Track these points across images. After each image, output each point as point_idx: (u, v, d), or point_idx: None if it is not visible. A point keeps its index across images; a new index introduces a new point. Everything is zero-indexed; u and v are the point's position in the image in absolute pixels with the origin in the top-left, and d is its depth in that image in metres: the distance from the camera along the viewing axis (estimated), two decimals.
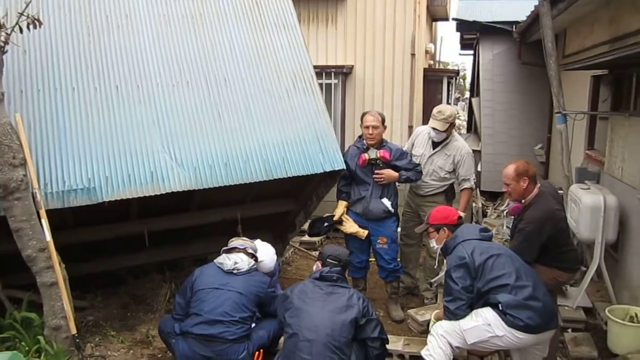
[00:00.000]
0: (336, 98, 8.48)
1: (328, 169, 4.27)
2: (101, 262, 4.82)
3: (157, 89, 4.25)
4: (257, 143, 4.24)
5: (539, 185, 3.77)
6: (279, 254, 5.93)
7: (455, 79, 11.30)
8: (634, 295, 5.06)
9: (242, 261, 3.63)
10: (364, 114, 4.61)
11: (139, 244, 4.67)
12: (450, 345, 3.11)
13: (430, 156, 4.81)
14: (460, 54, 15.76)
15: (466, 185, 4.84)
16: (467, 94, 19.73)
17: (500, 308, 3.02)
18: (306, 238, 6.78)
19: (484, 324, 3.05)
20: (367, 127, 4.49)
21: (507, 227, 8.02)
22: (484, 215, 7.85)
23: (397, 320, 4.56)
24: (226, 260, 3.61)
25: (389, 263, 4.55)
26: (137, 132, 4.04)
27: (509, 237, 3.99)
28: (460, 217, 3.48)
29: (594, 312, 5.31)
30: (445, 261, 3.49)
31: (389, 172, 4.41)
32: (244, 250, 3.72)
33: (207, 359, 3.39)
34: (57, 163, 3.77)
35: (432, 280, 4.31)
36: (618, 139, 5.74)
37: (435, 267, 4.37)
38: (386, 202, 4.44)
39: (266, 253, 3.91)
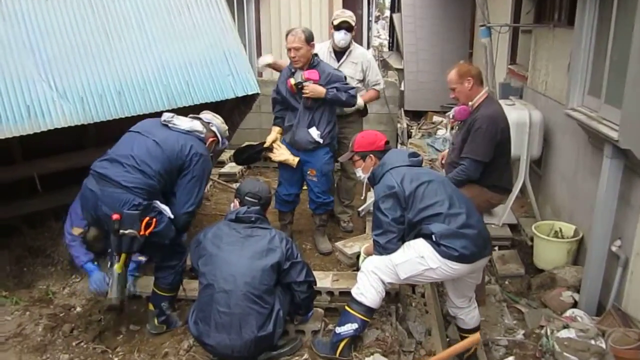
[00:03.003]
0: (249, 15, 7.77)
1: (240, 94, 3.78)
2: None
3: (26, 2, 3.49)
4: (155, 66, 3.64)
5: (486, 88, 3.60)
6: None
7: None
8: (556, 210, 5.11)
9: (184, 121, 3.12)
10: (287, 34, 4.04)
11: (32, 189, 4.07)
12: (382, 281, 2.88)
13: (337, 68, 4.44)
14: None
15: (377, 87, 4.67)
16: (387, 13, 19.25)
17: (434, 239, 2.80)
18: (225, 169, 6.32)
19: (416, 257, 2.82)
20: (289, 49, 3.96)
21: (430, 145, 7.98)
22: (409, 136, 7.69)
23: (325, 253, 4.31)
24: (168, 114, 3.14)
25: (317, 196, 4.22)
26: (4, 58, 3.32)
27: (452, 147, 3.74)
28: (387, 142, 3.16)
29: (519, 229, 5.36)
30: (372, 189, 3.20)
31: (315, 87, 3.95)
32: (200, 119, 3.24)
33: (96, 197, 2.91)
34: None
35: (360, 209, 4.04)
36: (542, 52, 5.60)
37: (361, 197, 4.08)
38: (314, 132, 4.02)
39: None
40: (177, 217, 3.03)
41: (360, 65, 4.53)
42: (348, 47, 4.48)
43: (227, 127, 3.39)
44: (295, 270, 2.82)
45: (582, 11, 4.03)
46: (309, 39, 3.98)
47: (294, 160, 4.08)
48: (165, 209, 2.98)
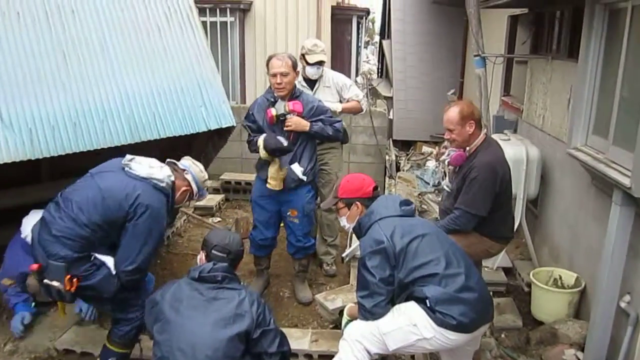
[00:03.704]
0: (233, 39, 7.46)
1: (213, 127, 3.40)
2: None
3: None
4: (118, 94, 3.25)
5: (485, 130, 3.28)
6: (169, 224, 5.07)
7: (365, 19, 10.58)
8: (554, 253, 4.76)
9: (144, 165, 2.72)
10: (269, 58, 3.69)
11: None
12: (368, 351, 2.49)
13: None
14: None
15: (357, 99, 4.39)
16: (377, 38, 19.13)
17: (428, 304, 2.41)
18: (201, 203, 5.90)
19: (408, 325, 2.43)
20: (274, 74, 3.58)
21: (419, 178, 7.64)
22: (398, 168, 7.35)
23: (305, 302, 3.90)
24: (129, 156, 2.77)
25: (298, 240, 3.82)
26: None
27: (447, 193, 3.39)
28: (376, 188, 2.78)
29: (514, 272, 5.01)
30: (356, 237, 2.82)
31: (298, 120, 3.60)
32: (174, 165, 2.89)
33: (34, 242, 2.64)
34: None
35: (344, 254, 3.66)
36: (539, 85, 5.32)
37: (348, 242, 3.70)
38: (297, 168, 3.64)
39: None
40: (118, 274, 2.67)
41: (333, 87, 4.30)
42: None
43: (207, 177, 3.01)
44: (266, 340, 2.41)
45: (586, 43, 3.74)
46: (295, 65, 3.65)
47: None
48: (107, 262, 2.62)
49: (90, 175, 2.72)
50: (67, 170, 3.70)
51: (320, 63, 4.16)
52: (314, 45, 4.19)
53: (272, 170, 3.62)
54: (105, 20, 3.40)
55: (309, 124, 3.61)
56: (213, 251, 2.52)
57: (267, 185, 3.65)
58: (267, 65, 3.64)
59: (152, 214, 2.63)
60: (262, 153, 3.55)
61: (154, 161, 2.78)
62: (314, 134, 3.65)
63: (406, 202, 2.71)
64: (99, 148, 3.09)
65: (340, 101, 4.35)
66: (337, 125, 3.72)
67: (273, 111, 3.57)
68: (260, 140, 3.54)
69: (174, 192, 2.80)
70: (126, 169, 2.69)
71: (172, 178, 2.78)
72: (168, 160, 2.89)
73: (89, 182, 2.68)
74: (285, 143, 3.53)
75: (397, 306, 2.52)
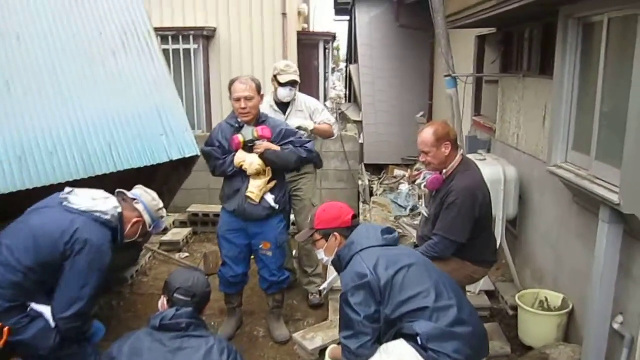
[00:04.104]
0: (197, 66, 7.24)
1: (175, 157, 3.14)
2: None
3: None
4: (70, 124, 2.99)
5: (461, 151, 3.15)
6: (132, 261, 4.74)
7: (332, 44, 10.53)
8: (537, 274, 4.61)
9: (84, 198, 2.45)
10: (232, 82, 3.48)
11: None
12: None
13: (285, 121, 3.99)
14: (335, 20, 15.03)
15: (328, 122, 4.25)
16: (343, 65, 19.22)
17: (419, 342, 2.19)
18: (167, 237, 5.58)
19: None
20: (238, 99, 3.37)
21: (394, 202, 7.48)
22: (371, 193, 7.17)
23: (281, 341, 3.62)
24: (68, 189, 2.49)
25: (272, 274, 3.56)
26: None
27: (425, 219, 3.21)
28: (355, 216, 2.56)
29: (497, 295, 4.83)
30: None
31: (268, 145, 3.37)
32: (123, 194, 2.61)
33: None
34: None
35: (322, 287, 3.42)
36: (511, 103, 5.25)
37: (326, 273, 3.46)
38: (268, 196, 3.41)
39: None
40: (56, 323, 2.34)
41: (306, 111, 4.14)
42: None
43: (161, 206, 2.71)
44: None
45: (561, 59, 3.65)
46: (259, 89, 3.45)
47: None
48: (45, 313, 2.32)
49: (27, 214, 2.44)
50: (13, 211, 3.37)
51: (293, 84, 4.00)
52: (286, 65, 4.05)
53: (259, 182, 3.39)
54: (55, 46, 3.15)
55: (278, 148, 3.41)
56: (176, 295, 2.24)
57: (247, 195, 3.39)
58: (230, 89, 3.43)
59: (92, 250, 2.33)
60: (254, 168, 3.34)
61: (98, 192, 2.51)
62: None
63: (388, 230, 2.50)
64: (47, 185, 2.79)
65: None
66: (308, 146, 3.52)
67: (240, 137, 3.35)
68: (250, 156, 3.36)
69: (123, 225, 2.53)
70: (64, 203, 2.41)
71: (119, 210, 2.50)
72: (117, 190, 2.61)
73: (22, 221, 2.40)
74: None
75: (384, 345, 2.28)
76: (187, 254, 5.43)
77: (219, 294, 3.74)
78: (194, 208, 6.11)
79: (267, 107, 4.03)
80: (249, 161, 3.35)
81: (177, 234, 5.65)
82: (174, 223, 6.01)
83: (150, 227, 2.63)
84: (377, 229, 2.50)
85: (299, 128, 3.90)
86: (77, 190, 2.46)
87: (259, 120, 3.45)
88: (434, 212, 3.09)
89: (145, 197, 2.63)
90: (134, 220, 2.56)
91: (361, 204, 6.41)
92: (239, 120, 3.44)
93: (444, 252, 3.00)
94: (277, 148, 3.40)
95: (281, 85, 3.98)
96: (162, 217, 2.69)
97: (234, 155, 3.38)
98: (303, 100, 4.24)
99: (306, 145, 3.52)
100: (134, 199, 2.60)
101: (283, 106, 4.11)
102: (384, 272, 2.27)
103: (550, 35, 4.36)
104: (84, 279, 2.33)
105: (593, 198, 3.21)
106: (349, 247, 2.43)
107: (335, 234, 2.51)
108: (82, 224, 2.34)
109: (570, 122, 3.73)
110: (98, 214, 2.41)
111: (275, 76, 4.03)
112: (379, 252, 2.35)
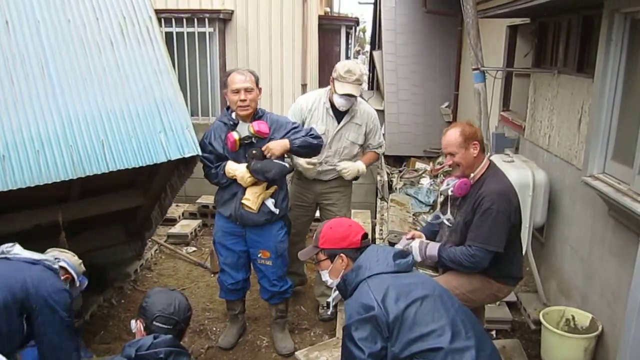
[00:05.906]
0: (213, 50, 6.96)
1: (174, 156, 2.88)
2: None
3: None
4: (59, 120, 2.75)
5: (488, 154, 2.93)
6: (137, 255, 4.55)
7: (355, 29, 10.15)
8: (564, 287, 4.29)
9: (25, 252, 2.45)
10: (229, 73, 3.23)
11: None
12: None
13: (337, 131, 3.67)
14: (359, 3, 14.57)
15: (378, 151, 3.96)
16: (368, 47, 18.74)
17: None
18: (175, 230, 5.38)
19: None
20: (237, 90, 3.12)
21: (414, 197, 7.16)
22: (390, 188, 6.86)
23: (285, 354, 3.39)
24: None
25: (273, 284, 3.32)
26: None
27: (448, 228, 2.91)
28: (365, 236, 2.28)
29: (519, 307, 4.54)
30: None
31: (275, 143, 3.15)
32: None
33: None
34: None
35: (330, 299, 3.16)
36: (543, 101, 4.86)
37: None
38: (268, 200, 3.17)
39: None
40: None
41: (364, 127, 3.73)
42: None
43: (81, 262, 2.63)
44: None
45: (604, 58, 3.28)
46: (258, 82, 3.19)
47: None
48: None
49: None
50: (13, 205, 3.19)
51: (349, 96, 3.53)
52: (347, 71, 3.50)
53: (255, 188, 3.15)
54: (47, 34, 2.90)
55: (287, 141, 3.15)
56: (155, 323, 2.00)
57: (242, 203, 3.16)
58: (226, 81, 3.18)
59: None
60: (246, 180, 3.09)
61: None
62: (297, 150, 3.20)
63: (401, 255, 2.21)
64: (33, 185, 2.58)
65: (361, 145, 3.83)
66: (314, 132, 3.28)
67: (235, 135, 3.11)
68: (241, 168, 3.09)
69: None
70: (8, 255, 2.34)
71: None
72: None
73: None
74: (287, 165, 3.20)
75: None
76: (194, 249, 5.23)
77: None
78: (204, 199, 5.89)
79: (320, 106, 3.66)
80: (239, 175, 3.12)
81: (186, 226, 5.45)
82: (183, 214, 5.81)
83: (77, 283, 2.56)
84: (389, 252, 2.21)
85: (343, 170, 3.65)
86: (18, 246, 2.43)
87: (256, 115, 3.20)
88: (463, 220, 2.81)
89: (65, 255, 2.57)
90: (64, 276, 2.50)
91: (379, 201, 6.13)
92: (233, 116, 3.19)
93: (481, 264, 2.74)
94: (285, 142, 3.15)
95: (337, 94, 3.55)
96: (84, 271, 2.62)
97: (225, 166, 3.14)
98: (365, 110, 3.79)
99: (311, 132, 3.29)
100: (57, 259, 2.51)
101: (340, 113, 3.67)
102: (393, 305, 2.00)
103: (589, 29, 3.97)
104: None
105: (633, 216, 2.89)
106: (357, 271, 2.16)
107: (342, 255, 2.24)
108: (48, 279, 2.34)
109: (610, 128, 3.37)
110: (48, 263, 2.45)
111: (335, 79, 3.55)
112: (389, 281, 2.08)
